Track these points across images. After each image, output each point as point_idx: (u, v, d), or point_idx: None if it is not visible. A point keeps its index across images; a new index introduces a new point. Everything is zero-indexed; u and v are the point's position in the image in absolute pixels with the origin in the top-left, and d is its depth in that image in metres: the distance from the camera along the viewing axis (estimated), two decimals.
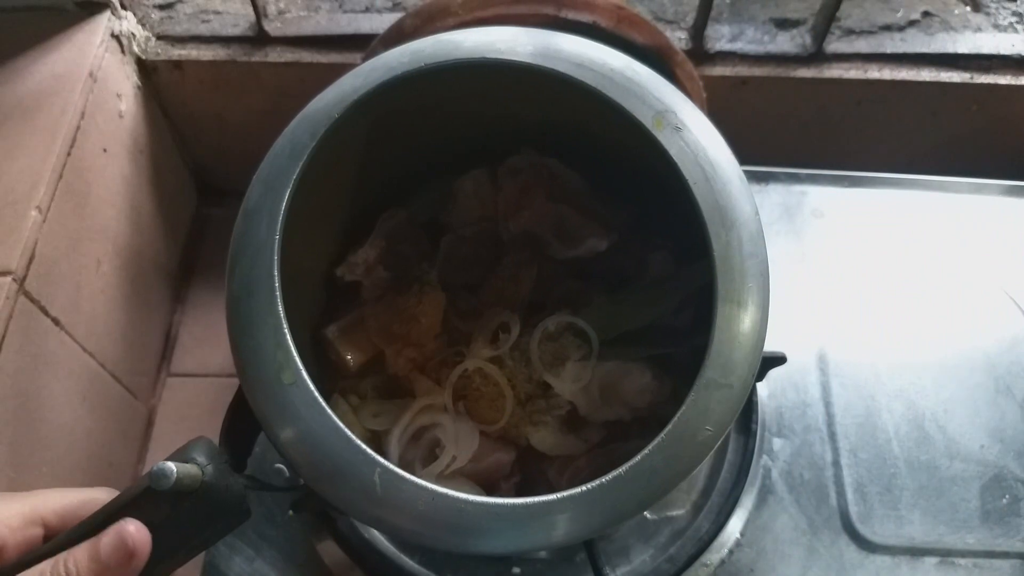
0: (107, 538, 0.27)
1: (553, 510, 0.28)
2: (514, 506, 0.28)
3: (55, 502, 0.29)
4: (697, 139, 0.33)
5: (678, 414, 0.29)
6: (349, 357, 0.40)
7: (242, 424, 0.33)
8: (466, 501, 0.28)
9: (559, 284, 0.43)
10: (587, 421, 0.39)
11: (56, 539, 0.28)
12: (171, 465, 0.27)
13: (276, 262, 0.31)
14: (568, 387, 0.38)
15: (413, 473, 0.37)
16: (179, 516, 0.28)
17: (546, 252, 0.43)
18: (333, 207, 0.41)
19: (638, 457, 0.29)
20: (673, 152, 0.33)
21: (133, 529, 0.27)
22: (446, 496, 0.28)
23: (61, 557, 0.26)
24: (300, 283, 0.38)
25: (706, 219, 0.31)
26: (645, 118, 0.33)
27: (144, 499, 0.28)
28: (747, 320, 0.30)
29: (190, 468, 0.28)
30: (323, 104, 0.35)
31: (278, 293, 0.30)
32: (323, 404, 0.29)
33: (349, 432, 0.28)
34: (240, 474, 0.31)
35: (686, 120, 0.33)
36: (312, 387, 0.29)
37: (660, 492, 0.29)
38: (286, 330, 0.30)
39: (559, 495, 0.28)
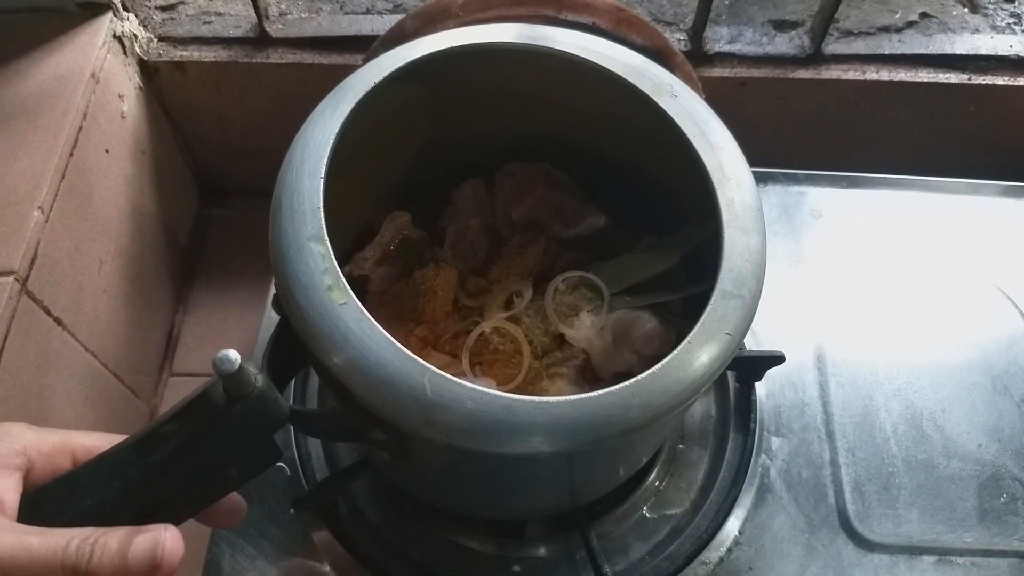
0: (140, 542, 0.26)
1: (597, 403, 0.29)
2: (559, 402, 0.29)
3: (86, 439, 0.29)
4: (692, 104, 0.38)
5: (701, 319, 0.32)
6: None
7: (281, 360, 0.33)
8: (512, 399, 0.29)
9: (563, 256, 0.45)
10: (599, 375, 0.41)
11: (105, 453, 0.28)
12: (235, 352, 0.27)
13: (321, 192, 0.32)
14: (583, 335, 0.40)
15: None
16: (227, 426, 0.28)
17: (548, 234, 0.45)
18: (348, 204, 0.42)
19: (677, 350, 0.31)
20: (672, 112, 0.37)
21: (169, 540, 0.26)
22: (493, 395, 0.29)
23: (95, 535, 0.26)
24: None
25: (705, 163, 0.36)
26: (645, 87, 0.38)
27: (197, 405, 0.28)
28: (751, 241, 0.34)
29: (250, 368, 0.28)
30: (358, 78, 0.38)
31: (322, 220, 0.32)
32: (372, 320, 0.30)
33: (398, 344, 0.29)
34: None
35: (681, 92, 0.38)
36: (360, 305, 0.30)
37: (693, 388, 0.31)
38: (331, 254, 0.31)
39: (599, 392, 0.29)
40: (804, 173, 0.62)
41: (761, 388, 0.52)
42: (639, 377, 0.30)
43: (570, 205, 0.45)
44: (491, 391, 0.29)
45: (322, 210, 0.32)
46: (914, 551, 0.47)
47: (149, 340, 0.74)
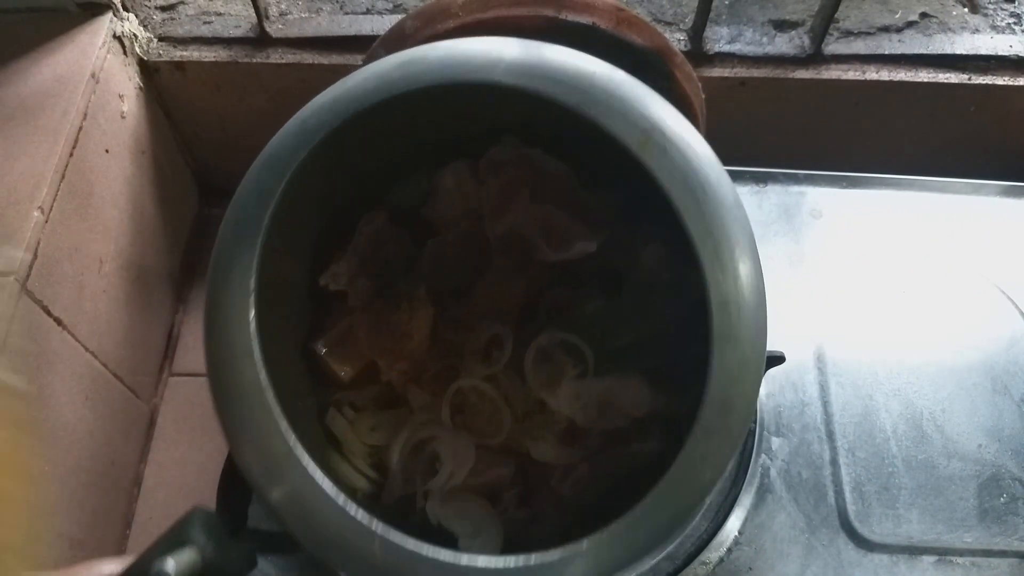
0: None
1: (561, 562, 0.27)
2: (517, 568, 0.27)
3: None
4: (687, 159, 0.30)
5: (675, 464, 0.28)
6: (342, 372, 0.39)
7: (238, 481, 0.33)
8: (468, 567, 0.27)
9: (550, 290, 0.41)
10: (586, 431, 0.38)
11: None
12: (170, 562, 0.27)
13: (254, 331, 0.30)
14: (565, 406, 0.37)
15: (414, 488, 0.37)
16: None
17: (535, 256, 0.41)
18: (310, 215, 0.39)
19: (636, 508, 0.28)
20: (662, 177, 0.30)
21: None
22: (447, 564, 0.27)
23: None
24: (285, 296, 0.37)
25: (699, 248, 0.29)
26: (631, 139, 0.30)
27: None
28: (745, 355, 0.29)
29: (188, 556, 0.28)
30: (286, 140, 0.34)
31: (260, 367, 0.29)
32: (318, 474, 0.28)
33: (345, 502, 0.28)
34: (242, 532, 0.31)
35: (675, 137, 0.31)
36: (305, 455, 0.28)
37: (656, 541, 0.28)
38: (273, 404, 0.29)
39: (563, 552, 0.27)
40: (804, 173, 0.62)
41: (761, 388, 0.52)
42: (595, 538, 0.27)
43: (559, 223, 0.40)
44: (445, 559, 0.27)
45: (257, 348, 0.29)
46: (914, 551, 0.47)
47: (149, 340, 0.74)
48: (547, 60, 0.32)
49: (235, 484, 0.33)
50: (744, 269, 0.29)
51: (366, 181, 0.42)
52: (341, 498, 0.28)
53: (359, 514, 0.28)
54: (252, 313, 0.30)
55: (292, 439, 0.29)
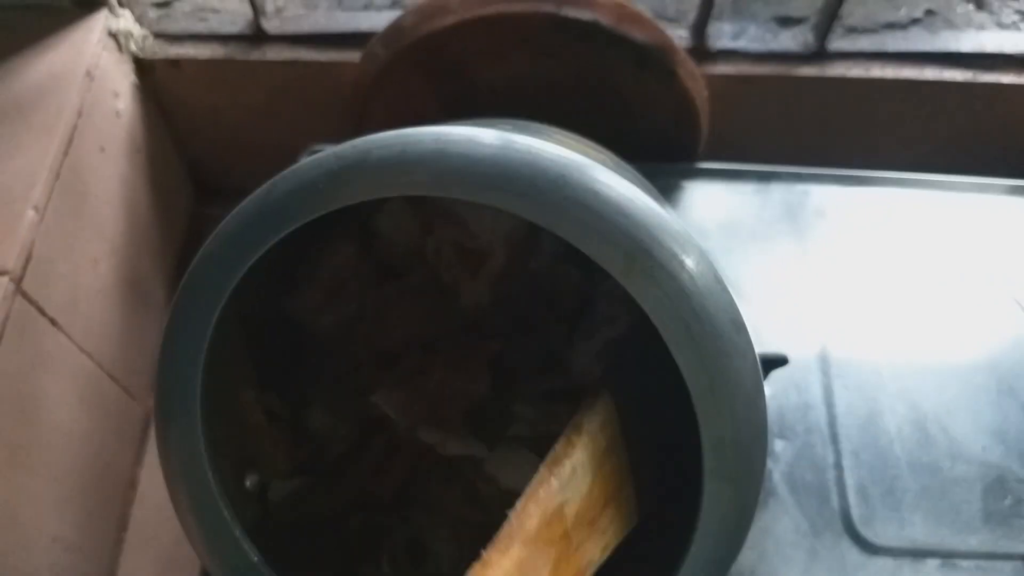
0: None
1: None
2: None
3: None
4: (679, 286, 0.26)
5: None
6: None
7: None
8: None
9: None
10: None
11: None
12: None
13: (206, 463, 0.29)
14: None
15: None
16: None
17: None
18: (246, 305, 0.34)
19: None
20: (648, 307, 0.26)
21: None
22: None
23: None
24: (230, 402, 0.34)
25: (692, 385, 0.26)
26: (612, 264, 0.26)
27: None
28: (740, 495, 0.26)
29: None
30: (210, 269, 0.32)
31: (217, 494, 0.29)
32: None
33: None
34: None
35: (664, 260, 0.26)
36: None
37: None
38: (234, 525, 0.29)
39: None
40: (808, 171, 0.61)
41: (764, 390, 0.51)
42: None
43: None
44: None
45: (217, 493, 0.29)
46: (918, 554, 0.46)
47: (144, 340, 0.73)
48: (511, 166, 0.26)
49: None
50: (744, 406, 0.26)
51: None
52: None
53: None
54: (201, 444, 0.29)
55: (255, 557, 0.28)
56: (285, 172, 0.30)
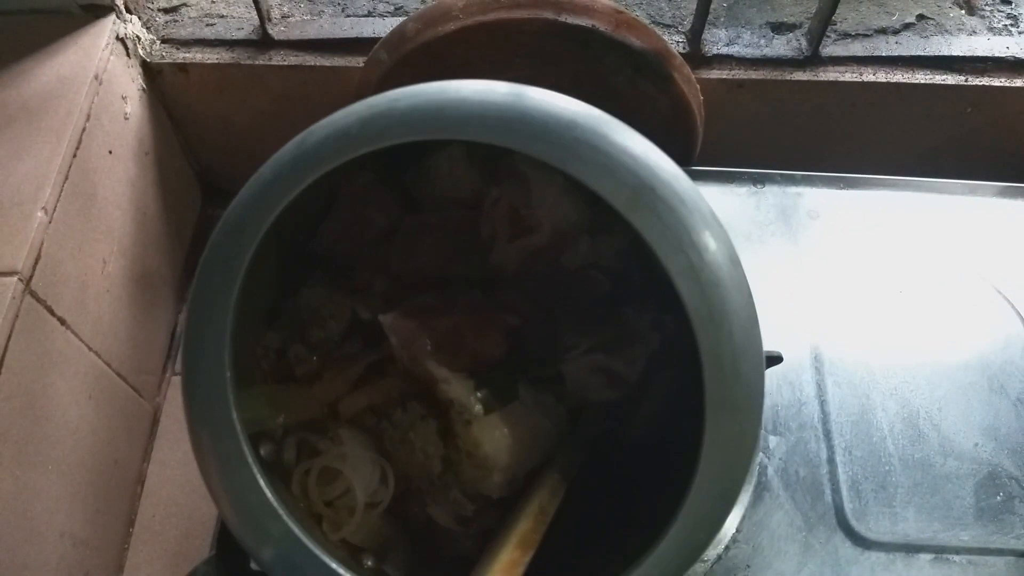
0: None
1: None
2: None
3: None
4: (680, 219, 0.28)
5: (672, 526, 0.27)
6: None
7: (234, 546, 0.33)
8: None
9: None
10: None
11: None
12: None
13: (237, 423, 0.30)
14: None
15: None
16: None
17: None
18: (273, 251, 0.35)
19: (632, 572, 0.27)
20: (651, 238, 0.28)
21: None
22: None
23: None
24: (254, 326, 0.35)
25: (692, 315, 0.27)
26: (618, 199, 0.28)
27: None
28: (741, 427, 0.27)
29: None
30: (247, 209, 0.32)
31: (243, 441, 0.30)
32: (305, 538, 0.29)
33: (331, 561, 0.28)
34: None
35: (667, 196, 0.28)
36: (292, 521, 0.29)
37: None
38: (259, 475, 0.29)
39: None
40: (801, 174, 0.62)
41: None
42: None
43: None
44: None
45: (240, 431, 0.30)
46: (911, 549, 0.47)
47: (152, 340, 0.74)
48: (526, 111, 0.29)
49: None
50: (742, 335, 0.27)
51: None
52: (326, 556, 0.28)
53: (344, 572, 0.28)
54: (230, 392, 0.30)
55: (281, 511, 0.29)
56: (318, 122, 0.32)
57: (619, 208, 0.28)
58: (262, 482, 0.30)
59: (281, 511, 0.29)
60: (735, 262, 0.29)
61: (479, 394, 0.33)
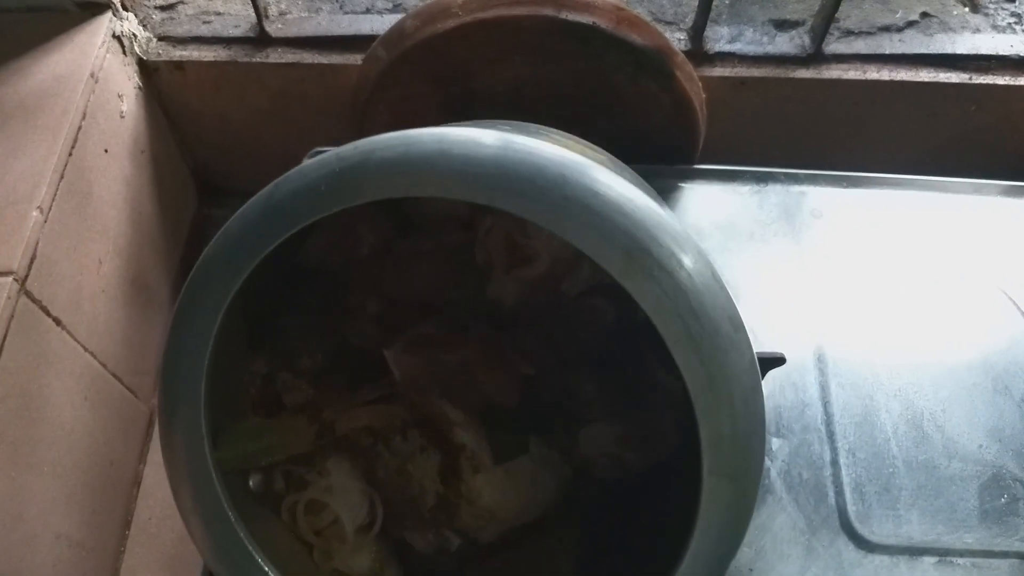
0: None
1: None
2: None
3: None
4: (676, 284, 0.26)
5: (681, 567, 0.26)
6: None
7: None
8: None
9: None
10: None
11: None
12: None
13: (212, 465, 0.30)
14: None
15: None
16: None
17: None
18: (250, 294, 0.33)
19: None
20: (646, 305, 0.26)
21: None
22: None
23: None
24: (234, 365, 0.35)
25: (690, 382, 0.26)
26: (611, 263, 0.26)
27: None
28: (738, 491, 0.26)
29: None
30: (213, 270, 0.32)
31: (224, 499, 0.29)
32: None
33: None
34: None
35: (663, 259, 0.26)
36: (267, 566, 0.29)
37: None
38: (245, 539, 0.29)
39: None
40: (805, 173, 0.61)
41: (762, 388, 0.52)
42: None
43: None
44: None
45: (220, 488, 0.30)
46: (915, 552, 0.47)
47: (148, 340, 0.74)
48: (511, 167, 0.27)
49: None
50: (742, 403, 0.26)
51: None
52: None
53: None
54: (207, 450, 0.30)
55: (266, 566, 0.29)
56: (288, 173, 0.30)
57: (612, 273, 0.26)
58: (243, 535, 0.29)
59: (266, 566, 0.29)
60: (737, 325, 0.27)
61: (491, 443, 0.32)
